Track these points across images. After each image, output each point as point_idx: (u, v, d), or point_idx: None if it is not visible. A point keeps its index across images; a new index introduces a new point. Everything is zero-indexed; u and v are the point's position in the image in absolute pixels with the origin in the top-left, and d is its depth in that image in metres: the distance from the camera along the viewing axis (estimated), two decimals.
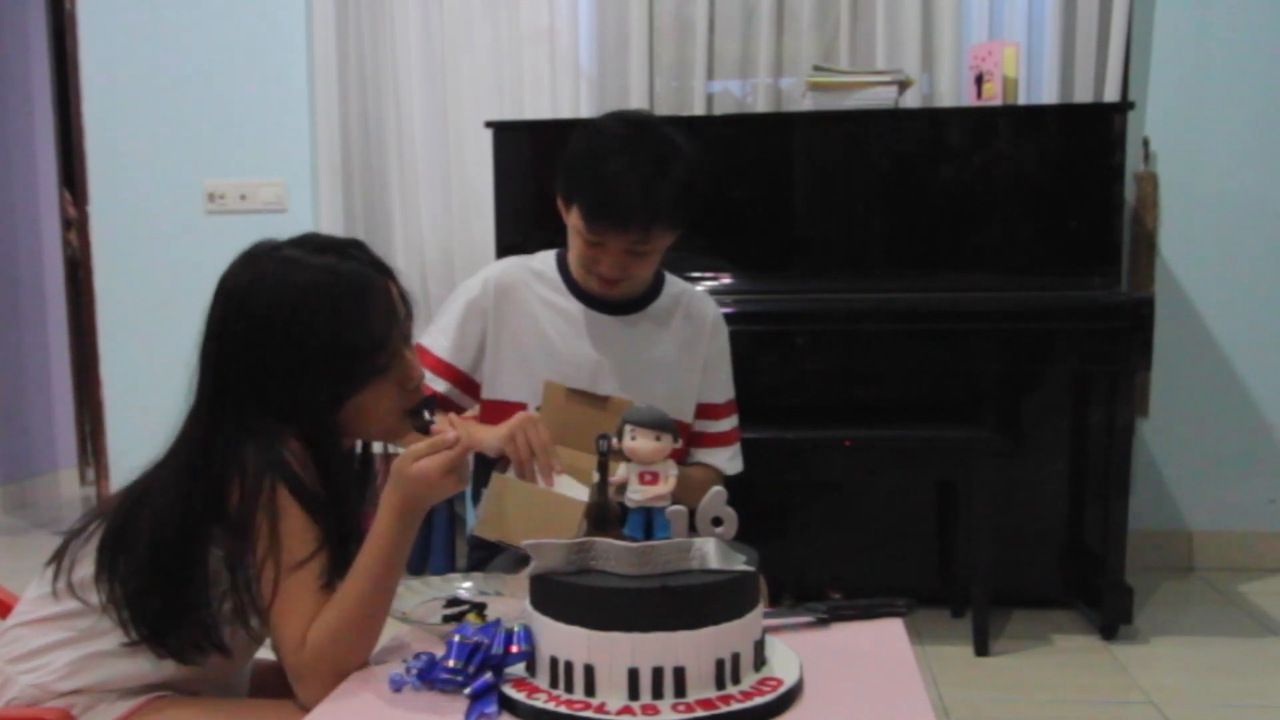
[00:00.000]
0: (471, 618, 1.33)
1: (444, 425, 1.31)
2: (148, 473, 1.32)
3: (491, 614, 1.33)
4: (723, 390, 1.98)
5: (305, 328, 1.26)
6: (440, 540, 3.53)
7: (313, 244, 1.33)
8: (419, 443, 1.25)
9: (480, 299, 1.89)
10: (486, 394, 1.91)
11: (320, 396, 1.28)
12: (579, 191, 1.75)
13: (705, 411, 1.96)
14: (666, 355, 1.90)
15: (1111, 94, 3.30)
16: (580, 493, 1.45)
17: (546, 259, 1.94)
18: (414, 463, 1.23)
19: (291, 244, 1.32)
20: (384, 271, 1.34)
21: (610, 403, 1.56)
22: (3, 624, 1.35)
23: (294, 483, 1.24)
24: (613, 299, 1.87)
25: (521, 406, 1.77)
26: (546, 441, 1.55)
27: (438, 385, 1.87)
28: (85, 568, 1.29)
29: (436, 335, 1.90)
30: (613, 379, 1.86)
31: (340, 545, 1.29)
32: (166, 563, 1.24)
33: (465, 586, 1.48)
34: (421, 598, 1.44)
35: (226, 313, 1.29)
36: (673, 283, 1.96)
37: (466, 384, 1.91)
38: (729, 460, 1.99)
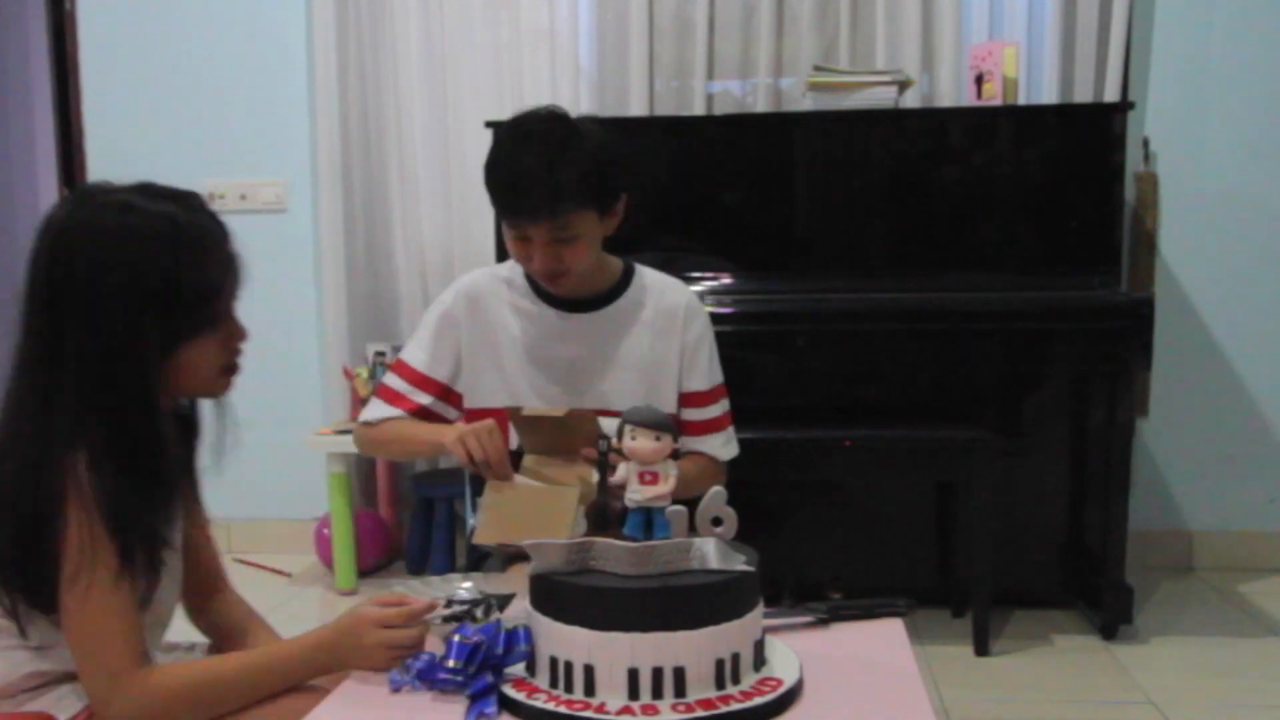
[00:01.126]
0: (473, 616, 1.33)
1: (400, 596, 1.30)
2: None
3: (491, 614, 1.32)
4: (706, 376, 1.96)
5: (145, 271, 1.23)
6: (440, 540, 3.53)
7: (151, 191, 1.30)
8: (391, 611, 1.24)
9: (452, 310, 1.93)
10: (468, 403, 1.93)
11: (152, 343, 1.25)
12: (491, 189, 1.79)
13: (691, 400, 1.95)
14: (639, 347, 1.91)
15: (1111, 94, 3.30)
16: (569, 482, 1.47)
17: (515, 267, 1.95)
18: (375, 628, 1.22)
19: (128, 190, 1.30)
20: (222, 227, 1.33)
21: (570, 415, 1.58)
22: None
23: (94, 492, 1.21)
24: (573, 295, 1.88)
25: (502, 413, 1.79)
26: (499, 448, 1.56)
27: (420, 398, 1.90)
28: None
29: (414, 349, 1.94)
30: (586, 376, 1.88)
31: (155, 512, 1.29)
32: (31, 539, 1.21)
33: (465, 586, 1.47)
34: (421, 598, 1.44)
35: (57, 254, 1.25)
36: (642, 274, 1.96)
37: (447, 395, 1.93)
38: (722, 446, 1.99)
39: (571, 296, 1.88)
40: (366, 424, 1.95)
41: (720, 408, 1.99)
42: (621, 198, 1.83)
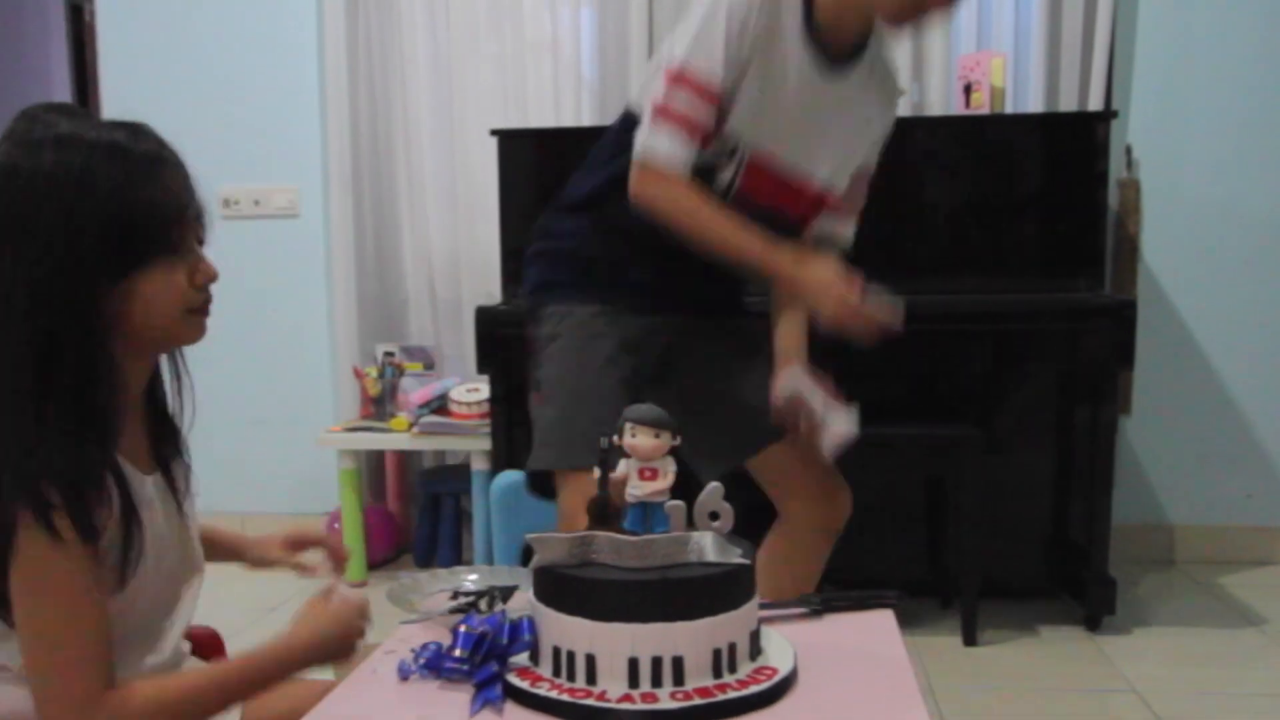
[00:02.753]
0: (478, 608, 1.33)
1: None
2: None
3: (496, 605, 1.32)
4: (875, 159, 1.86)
5: (86, 192, 1.08)
6: (447, 534, 3.53)
7: (96, 119, 1.16)
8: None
9: (755, 20, 1.60)
10: (746, 139, 1.68)
11: (104, 269, 1.10)
12: None
13: (856, 179, 1.85)
14: (868, 115, 1.79)
15: (1095, 103, 3.30)
16: None
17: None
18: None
19: (69, 120, 1.14)
20: (175, 155, 1.18)
21: None
22: None
23: (55, 509, 1.04)
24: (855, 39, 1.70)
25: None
26: None
27: (703, 113, 1.61)
28: None
29: (699, 58, 1.58)
30: (821, 134, 1.73)
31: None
32: None
33: (471, 579, 1.47)
34: (428, 589, 1.44)
35: None
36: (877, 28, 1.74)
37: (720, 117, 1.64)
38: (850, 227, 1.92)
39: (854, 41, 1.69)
40: (660, 171, 1.60)
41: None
42: None
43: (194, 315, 1.18)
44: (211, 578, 1.36)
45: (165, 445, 1.27)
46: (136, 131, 1.16)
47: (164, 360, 1.26)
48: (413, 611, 1.35)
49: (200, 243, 1.19)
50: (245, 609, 2.92)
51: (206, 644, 1.50)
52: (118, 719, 1.07)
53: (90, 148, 1.10)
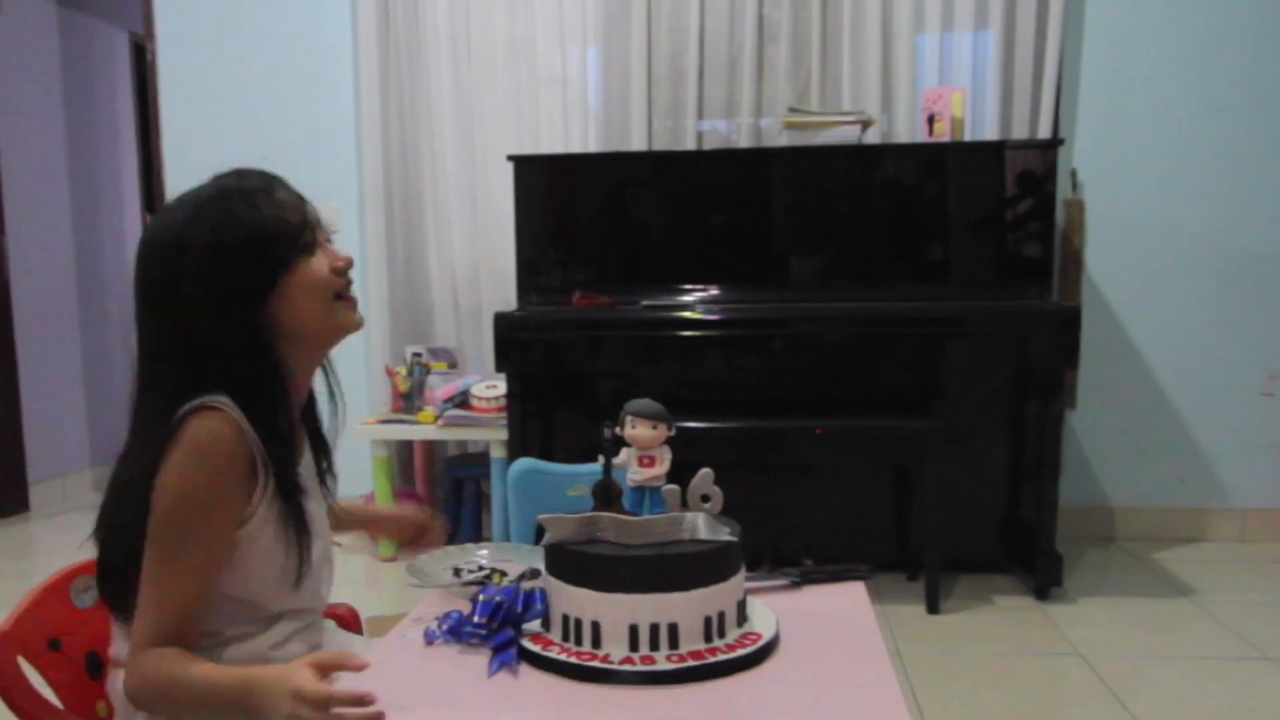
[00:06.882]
0: (494, 579, 1.33)
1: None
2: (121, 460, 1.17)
3: (511, 578, 1.32)
4: None
5: (224, 223, 1.11)
6: (469, 515, 3.53)
7: (212, 178, 1.18)
8: (320, 693, 0.93)
9: None
10: None
11: (251, 291, 1.11)
12: None
13: None
14: None
15: (1044, 131, 3.30)
16: None
17: None
18: (293, 699, 0.93)
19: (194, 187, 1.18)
20: (273, 179, 1.19)
21: None
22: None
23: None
24: None
25: None
26: None
27: None
28: None
29: None
30: None
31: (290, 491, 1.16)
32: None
33: (481, 554, 1.48)
34: (443, 564, 1.44)
35: (147, 257, 1.13)
36: None
37: None
38: None
39: None
40: None
41: None
42: None
43: (342, 301, 1.18)
44: None
45: (322, 456, 1.33)
46: (240, 173, 1.17)
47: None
48: (426, 582, 1.35)
49: (328, 241, 1.19)
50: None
51: (346, 619, 1.51)
52: (134, 674, 1.06)
53: (201, 198, 1.14)
